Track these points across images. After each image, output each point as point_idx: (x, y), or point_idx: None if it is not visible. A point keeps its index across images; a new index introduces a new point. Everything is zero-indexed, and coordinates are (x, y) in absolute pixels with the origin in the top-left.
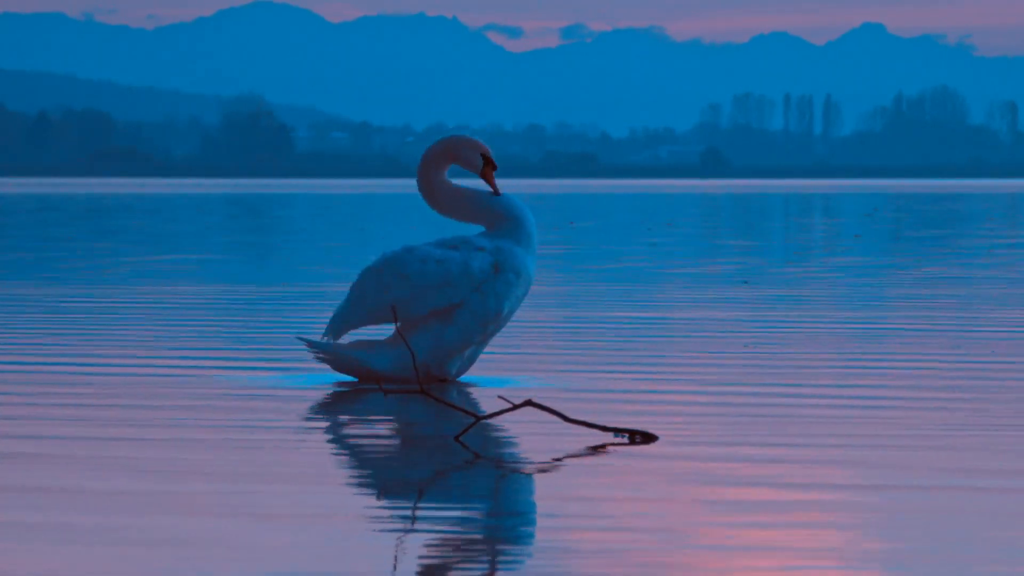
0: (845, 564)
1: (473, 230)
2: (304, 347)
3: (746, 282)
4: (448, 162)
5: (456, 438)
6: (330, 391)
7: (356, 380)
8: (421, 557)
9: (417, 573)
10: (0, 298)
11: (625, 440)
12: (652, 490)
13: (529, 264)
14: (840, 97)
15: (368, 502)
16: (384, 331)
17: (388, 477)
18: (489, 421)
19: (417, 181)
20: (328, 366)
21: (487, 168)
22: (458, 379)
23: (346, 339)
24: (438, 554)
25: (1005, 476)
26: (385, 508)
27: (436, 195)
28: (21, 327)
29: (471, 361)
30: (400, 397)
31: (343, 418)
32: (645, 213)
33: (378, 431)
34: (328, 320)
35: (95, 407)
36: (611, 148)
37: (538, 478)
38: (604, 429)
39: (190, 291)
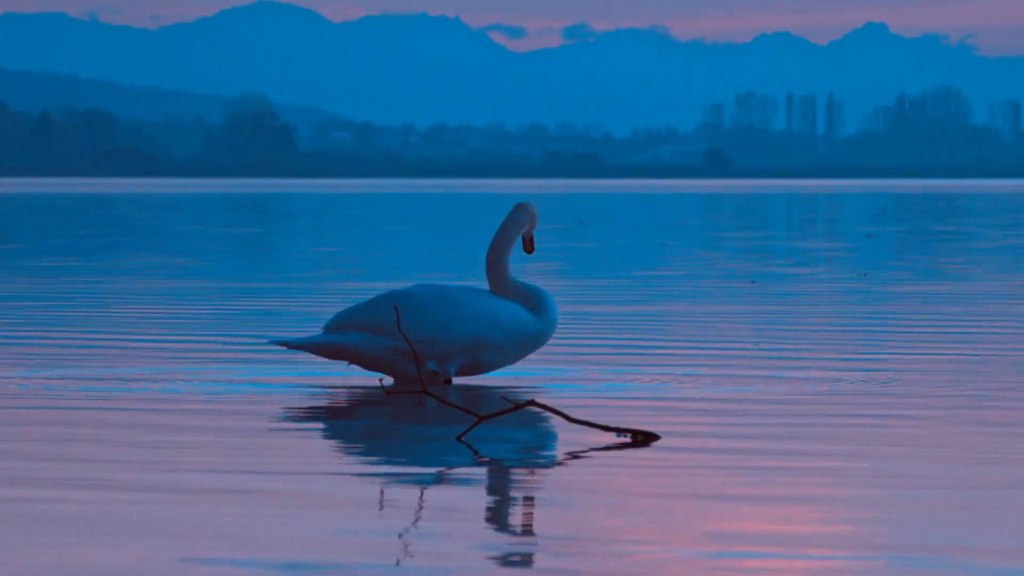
0: (846, 563)
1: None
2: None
3: (753, 281)
4: (528, 224)
5: (458, 438)
6: (332, 391)
7: (358, 377)
8: (422, 557)
9: (418, 573)
10: (2, 297)
11: (627, 440)
12: (654, 490)
13: (523, 348)
14: (843, 97)
15: (370, 502)
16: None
17: (390, 477)
18: (491, 421)
19: (493, 245)
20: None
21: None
22: (453, 379)
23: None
24: (439, 553)
25: None
26: (386, 508)
27: (498, 279)
28: (22, 326)
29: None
30: (402, 397)
31: (345, 418)
32: (653, 213)
33: (380, 431)
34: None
35: (97, 408)
36: (614, 148)
37: (540, 478)
38: (606, 429)
39: (192, 288)
